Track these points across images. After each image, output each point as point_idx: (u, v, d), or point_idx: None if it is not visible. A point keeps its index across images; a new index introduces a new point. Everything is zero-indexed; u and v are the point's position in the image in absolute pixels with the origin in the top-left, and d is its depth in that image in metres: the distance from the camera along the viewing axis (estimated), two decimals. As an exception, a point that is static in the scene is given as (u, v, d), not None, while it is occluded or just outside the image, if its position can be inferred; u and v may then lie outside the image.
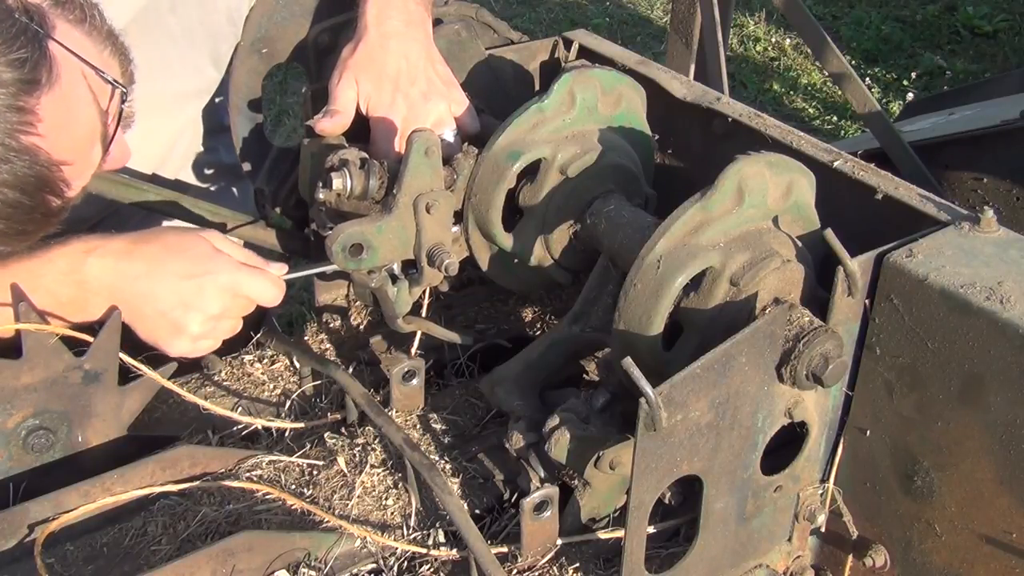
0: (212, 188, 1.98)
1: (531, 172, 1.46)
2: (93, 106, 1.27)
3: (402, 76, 1.52)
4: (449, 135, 1.55)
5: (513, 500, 1.41)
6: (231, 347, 1.62)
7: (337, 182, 1.41)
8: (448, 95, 1.55)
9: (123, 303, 1.38)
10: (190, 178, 1.94)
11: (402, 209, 1.40)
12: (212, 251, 1.42)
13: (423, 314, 1.59)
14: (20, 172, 1.16)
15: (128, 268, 1.37)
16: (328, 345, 1.69)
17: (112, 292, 1.37)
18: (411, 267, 1.48)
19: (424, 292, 1.57)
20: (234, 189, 2.02)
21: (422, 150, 1.38)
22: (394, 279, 1.47)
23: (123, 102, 1.32)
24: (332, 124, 1.52)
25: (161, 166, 1.86)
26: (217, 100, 1.92)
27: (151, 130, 1.72)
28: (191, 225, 1.70)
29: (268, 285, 1.44)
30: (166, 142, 1.85)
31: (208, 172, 1.97)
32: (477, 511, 1.40)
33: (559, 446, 1.28)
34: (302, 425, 1.53)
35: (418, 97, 1.52)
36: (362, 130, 1.56)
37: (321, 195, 1.42)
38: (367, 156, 1.46)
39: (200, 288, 1.39)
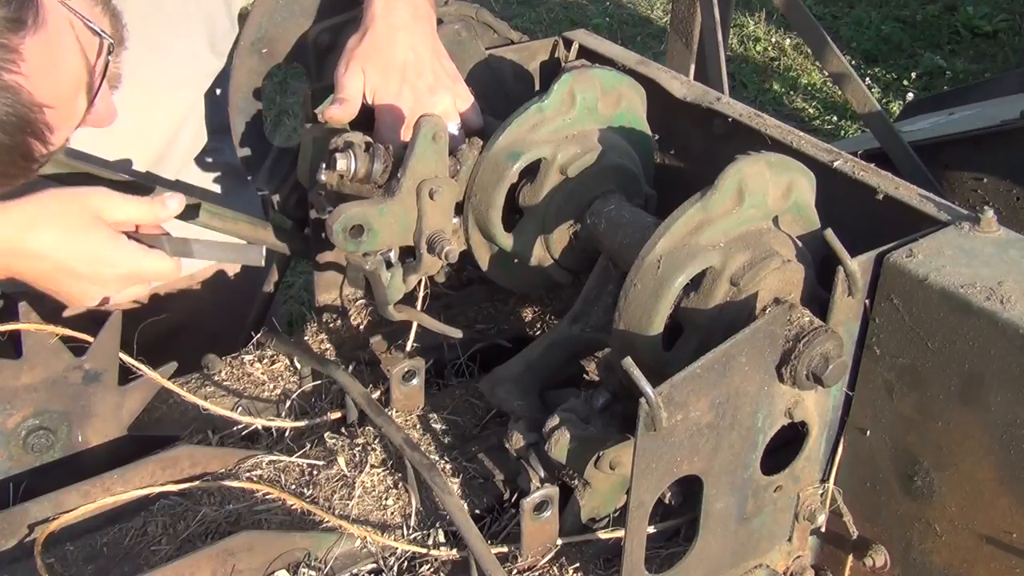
0: (218, 189, 1.97)
1: (531, 172, 1.46)
2: (79, 55, 1.27)
3: (409, 68, 1.52)
4: (453, 128, 1.54)
5: (513, 500, 1.41)
6: (231, 347, 1.62)
7: (341, 163, 1.40)
8: (454, 89, 1.55)
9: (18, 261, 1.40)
10: (194, 177, 1.93)
11: (405, 193, 1.39)
12: (105, 240, 1.43)
13: (418, 307, 1.59)
14: (1, 110, 1.17)
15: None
16: (328, 345, 1.69)
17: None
18: (409, 256, 1.47)
19: (420, 284, 1.57)
20: (240, 190, 2.01)
21: (430, 135, 1.37)
22: (388, 264, 1.46)
23: (109, 53, 1.32)
24: (341, 111, 1.52)
25: (161, 161, 1.85)
26: (218, 92, 1.91)
27: (150, 118, 1.71)
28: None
29: (161, 264, 1.47)
30: (166, 131, 1.84)
31: (214, 173, 1.96)
32: (477, 511, 1.40)
33: (559, 446, 1.28)
34: (303, 423, 1.52)
35: (424, 89, 1.52)
36: (365, 121, 1.55)
37: (323, 176, 1.41)
38: (372, 140, 1.45)
39: (97, 278, 1.43)
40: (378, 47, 1.52)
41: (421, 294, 1.60)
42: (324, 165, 1.41)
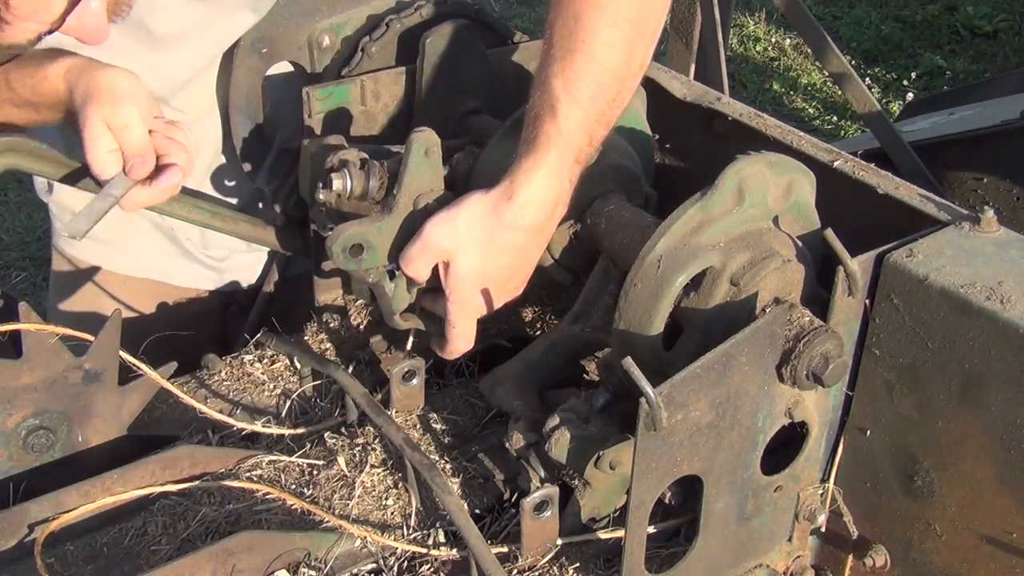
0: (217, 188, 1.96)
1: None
2: None
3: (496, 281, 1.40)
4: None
5: (513, 500, 1.41)
6: (231, 347, 1.61)
7: (337, 183, 1.40)
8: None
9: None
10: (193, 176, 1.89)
11: (402, 209, 1.40)
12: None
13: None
14: None
15: None
16: (328, 345, 1.69)
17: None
18: None
19: None
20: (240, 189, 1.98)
21: (422, 150, 1.38)
22: (391, 275, 1.47)
23: None
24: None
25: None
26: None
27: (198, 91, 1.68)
28: None
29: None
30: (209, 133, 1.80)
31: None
32: (477, 511, 1.40)
33: (559, 446, 1.28)
34: (301, 431, 1.52)
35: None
36: (363, 134, 1.54)
37: (321, 196, 1.42)
38: (367, 156, 1.45)
39: None
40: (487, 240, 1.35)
41: None
42: (321, 185, 1.41)
